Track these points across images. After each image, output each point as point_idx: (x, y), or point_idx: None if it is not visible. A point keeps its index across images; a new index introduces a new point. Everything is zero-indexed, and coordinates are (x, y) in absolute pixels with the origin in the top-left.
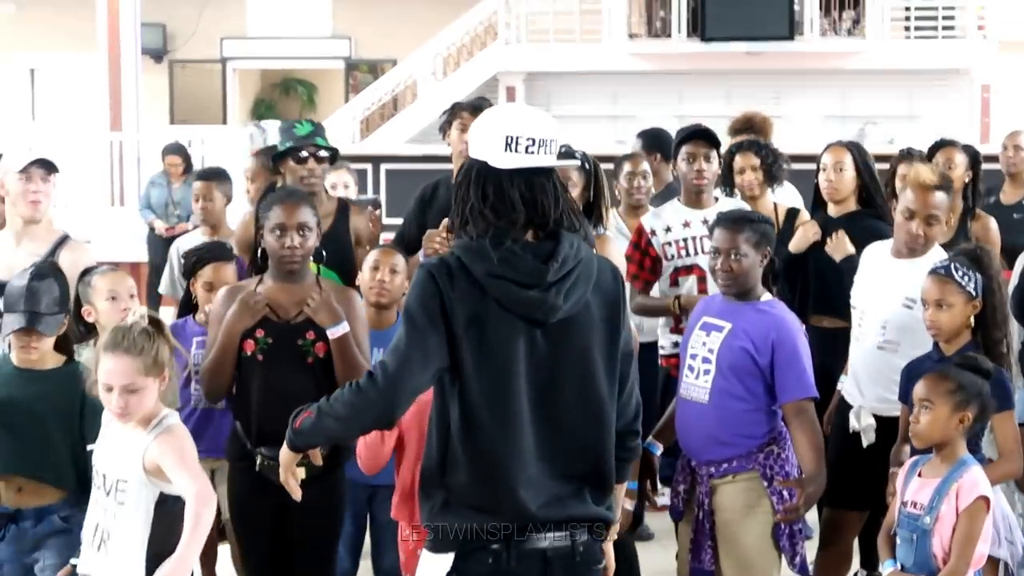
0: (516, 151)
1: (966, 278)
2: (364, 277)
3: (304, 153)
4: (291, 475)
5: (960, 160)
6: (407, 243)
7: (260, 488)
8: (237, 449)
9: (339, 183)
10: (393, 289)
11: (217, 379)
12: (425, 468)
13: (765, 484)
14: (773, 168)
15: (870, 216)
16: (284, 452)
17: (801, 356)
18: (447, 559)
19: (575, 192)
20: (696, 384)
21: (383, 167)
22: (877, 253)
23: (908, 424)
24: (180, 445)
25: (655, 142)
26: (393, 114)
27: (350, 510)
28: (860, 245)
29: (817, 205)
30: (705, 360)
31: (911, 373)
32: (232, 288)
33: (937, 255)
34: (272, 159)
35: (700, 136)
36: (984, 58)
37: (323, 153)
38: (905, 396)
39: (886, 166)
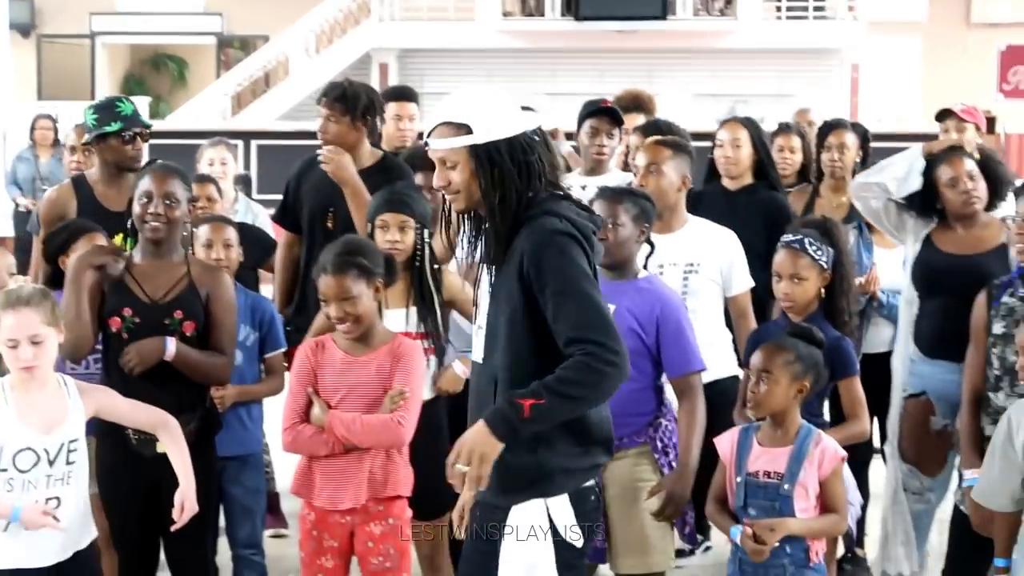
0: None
1: (819, 251)
2: (199, 255)
3: (130, 133)
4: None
5: (851, 141)
6: (290, 217)
7: (131, 464)
8: (107, 426)
9: (216, 159)
10: (231, 263)
11: (73, 330)
12: (541, 416)
13: (657, 456)
14: None
15: (767, 188)
16: (492, 443)
17: (685, 330)
18: (563, 501)
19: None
20: None
21: (254, 143)
22: None
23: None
24: (108, 394)
25: None
26: (265, 90)
27: None
28: (762, 218)
29: (711, 178)
30: None
31: (756, 340)
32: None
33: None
34: (95, 138)
35: (605, 113)
36: (854, 38)
37: (147, 132)
38: (748, 362)
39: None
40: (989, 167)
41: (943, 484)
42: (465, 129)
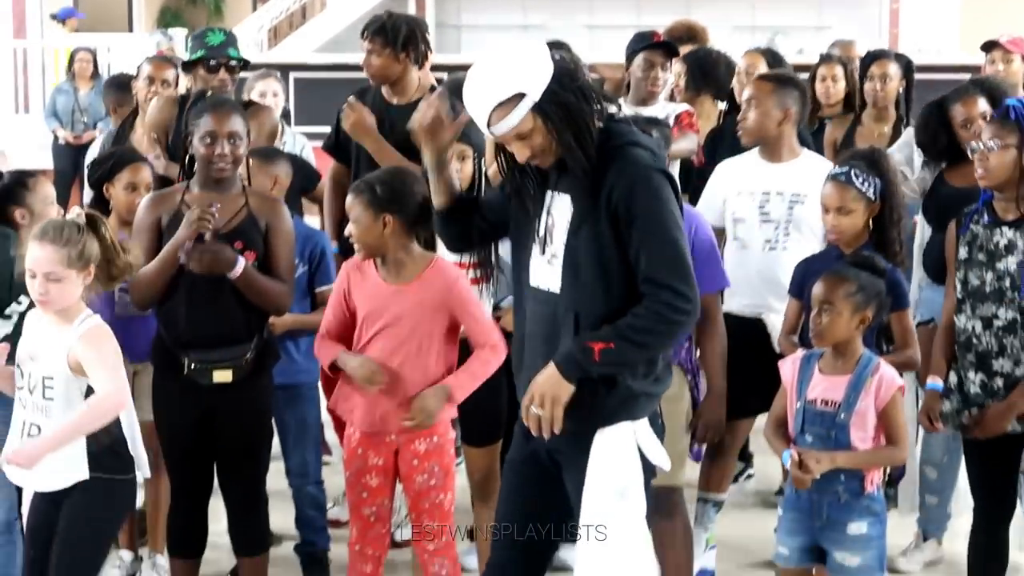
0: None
1: (866, 183)
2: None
3: (214, 62)
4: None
5: (894, 71)
6: (342, 149)
7: (187, 391)
8: (162, 355)
9: (267, 91)
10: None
11: (152, 290)
12: (610, 361)
13: (688, 377)
14: None
15: None
16: (564, 386)
17: (716, 248)
18: (646, 424)
19: None
20: None
21: (292, 76)
22: (740, 164)
23: (798, 317)
24: (101, 344)
25: None
26: (302, 23)
27: None
28: None
29: (738, 109)
30: None
31: (807, 270)
32: (157, 196)
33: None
34: (183, 66)
35: (659, 46)
36: None
37: (233, 63)
38: (798, 291)
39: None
40: (1000, 99)
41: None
42: (516, 97)
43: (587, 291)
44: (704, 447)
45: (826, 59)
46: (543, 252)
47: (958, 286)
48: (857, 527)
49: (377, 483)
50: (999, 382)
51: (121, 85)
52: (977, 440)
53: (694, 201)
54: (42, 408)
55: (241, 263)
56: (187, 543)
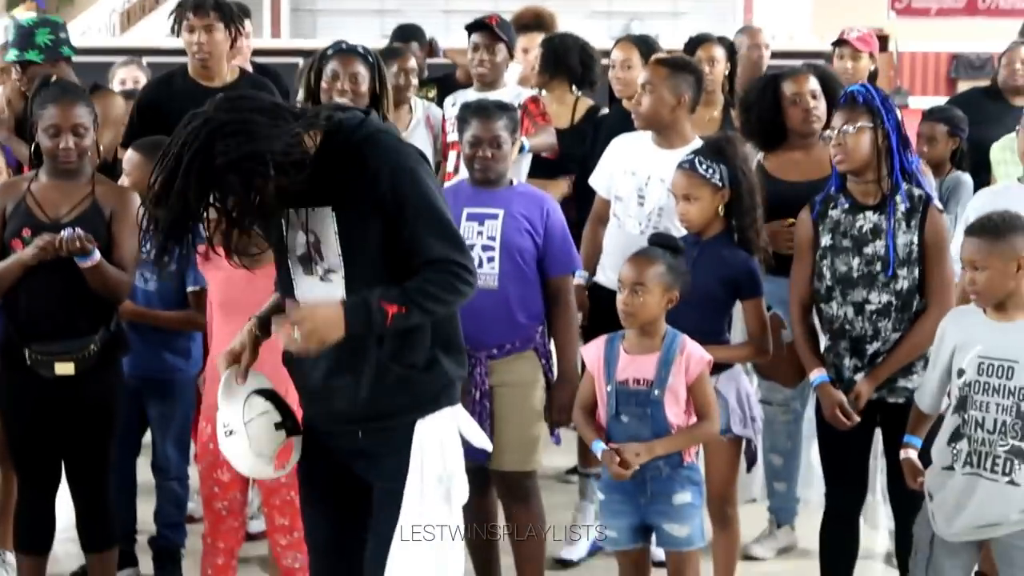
0: None
1: (710, 170)
2: (123, 182)
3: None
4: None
5: (719, 55)
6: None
7: (28, 384)
8: (4, 343)
9: (128, 79)
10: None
11: None
12: (399, 324)
13: (542, 361)
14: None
15: None
16: (338, 331)
17: (567, 231)
18: (460, 408)
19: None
20: (481, 273)
21: (145, 60)
22: (633, 143)
23: None
24: None
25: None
26: (155, 7)
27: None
28: None
29: (613, 99)
30: (486, 248)
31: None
32: (4, 184)
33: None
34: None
35: (484, 28)
36: None
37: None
38: None
39: None
40: (832, 88)
41: (802, 393)
42: None
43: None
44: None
45: (704, 40)
46: (311, 271)
47: (826, 273)
48: (681, 497)
49: (229, 477)
50: (861, 364)
51: None
52: (830, 427)
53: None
54: None
55: (96, 255)
56: (34, 539)
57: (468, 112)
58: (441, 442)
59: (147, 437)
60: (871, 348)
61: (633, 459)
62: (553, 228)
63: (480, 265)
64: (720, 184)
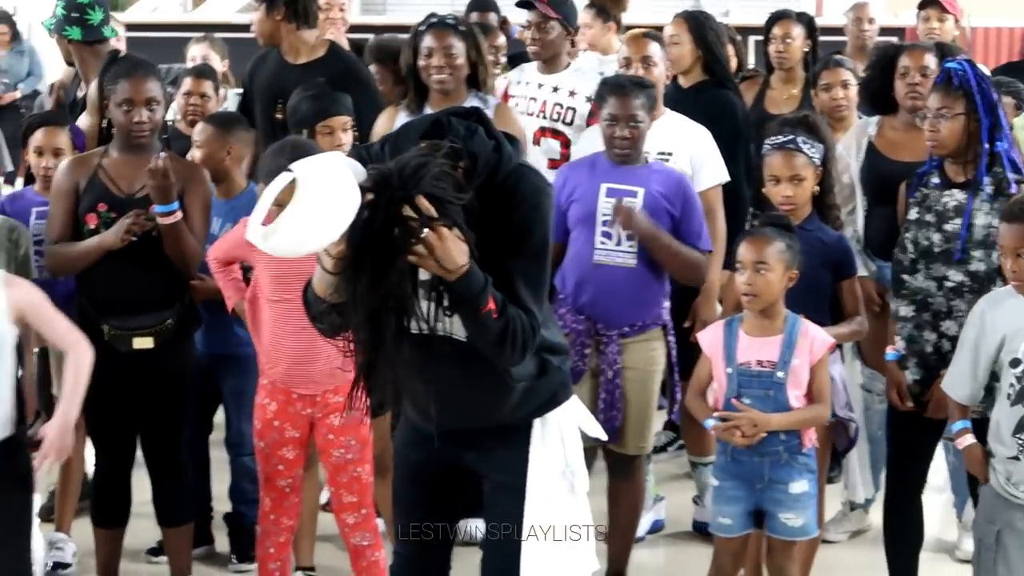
0: None
1: (812, 149)
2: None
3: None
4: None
5: (797, 32)
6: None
7: (106, 359)
8: (82, 320)
9: (199, 56)
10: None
11: (71, 270)
12: (483, 323)
13: (668, 338)
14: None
15: (713, 87)
16: (458, 271)
17: (702, 210)
18: (576, 400)
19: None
20: (619, 250)
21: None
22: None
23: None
24: (39, 294)
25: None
26: None
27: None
28: (706, 116)
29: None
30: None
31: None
32: (76, 160)
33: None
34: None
35: (526, 6)
36: None
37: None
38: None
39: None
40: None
41: None
42: None
43: None
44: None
45: (781, 16)
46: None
47: (909, 247)
48: (799, 486)
49: (293, 456)
50: (947, 345)
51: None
52: (902, 411)
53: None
54: None
55: (177, 212)
56: (110, 513)
57: (606, 89)
58: (562, 437)
59: (219, 416)
60: (944, 326)
61: (750, 429)
62: (689, 206)
63: (619, 243)
64: (818, 163)
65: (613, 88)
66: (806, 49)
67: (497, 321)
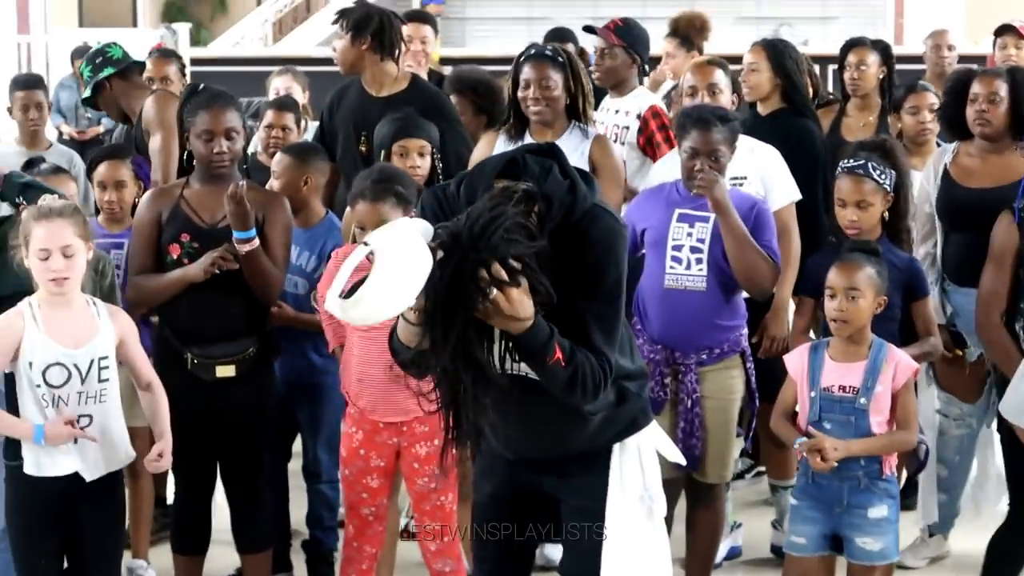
0: None
1: (883, 175)
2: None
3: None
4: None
5: (872, 59)
6: (326, 146)
7: (189, 388)
8: (165, 350)
9: (282, 87)
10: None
11: (154, 302)
12: (551, 372)
13: (747, 366)
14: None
15: (792, 114)
16: (521, 328)
17: (775, 229)
18: (655, 427)
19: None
20: (688, 274)
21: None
22: None
23: (811, 313)
24: (134, 328)
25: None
26: (306, 17)
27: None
28: (784, 144)
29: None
30: (695, 250)
31: (818, 266)
32: (157, 192)
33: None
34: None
35: (595, 32)
36: None
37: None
38: (815, 289)
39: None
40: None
41: (982, 410)
42: None
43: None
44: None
45: (855, 44)
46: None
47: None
48: (878, 511)
49: (378, 484)
50: None
51: None
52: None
53: None
54: (95, 394)
55: (255, 240)
56: (191, 540)
57: (688, 121)
58: (641, 462)
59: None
60: None
61: (832, 453)
62: (760, 221)
63: (688, 267)
64: (889, 189)
65: (696, 122)
66: (881, 76)
67: (565, 369)
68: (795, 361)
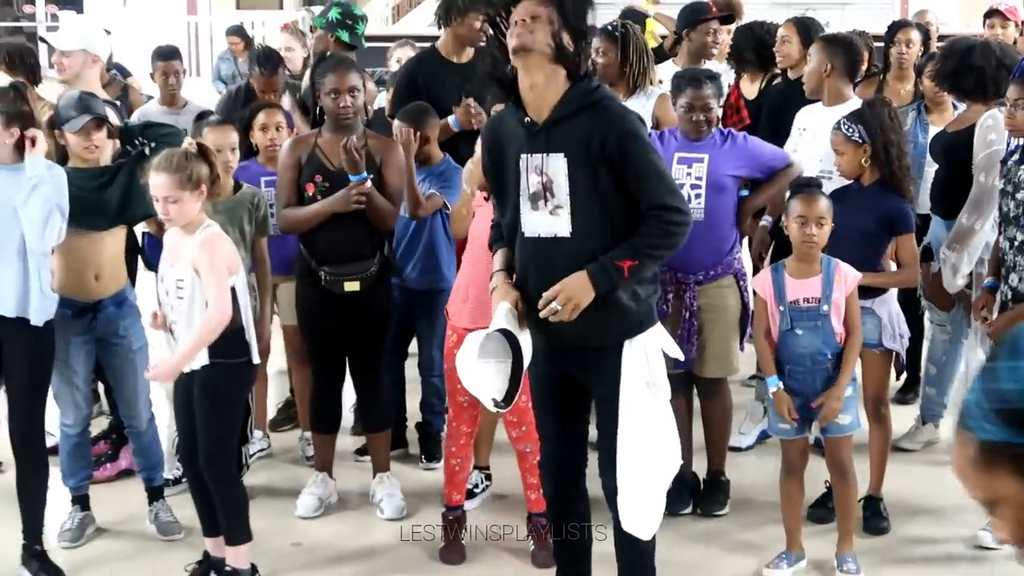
0: None
1: (850, 130)
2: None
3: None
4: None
5: (916, 37)
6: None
7: (324, 298)
8: (304, 268)
9: (403, 58)
10: (282, 141)
11: (301, 229)
12: (635, 274)
13: (740, 283)
14: None
15: None
16: (590, 295)
17: (765, 145)
18: (660, 327)
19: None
20: (691, 207)
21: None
22: (811, 110)
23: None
24: (214, 251)
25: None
26: (420, 1)
27: (394, 314)
28: (801, 103)
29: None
30: (694, 186)
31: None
32: (295, 140)
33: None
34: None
35: (718, 17)
36: None
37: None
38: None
39: None
40: (992, 58)
41: (956, 318)
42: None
43: (597, 229)
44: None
45: (903, 24)
46: (539, 207)
47: (996, 213)
48: (846, 391)
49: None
50: (1009, 294)
51: (264, 59)
52: None
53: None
54: (175, 307)
55: (366, 180)
56: (325, 421)
57: (683, 81)
58: (646, 355)
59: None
60: (1012, 278)
61: (837, 407)
62: (753, 149)
63: (689, 200)
64: (860, 140)
65: (690, 81)
66: (920, 52)
67: (640, 265)
68: (761, 282)
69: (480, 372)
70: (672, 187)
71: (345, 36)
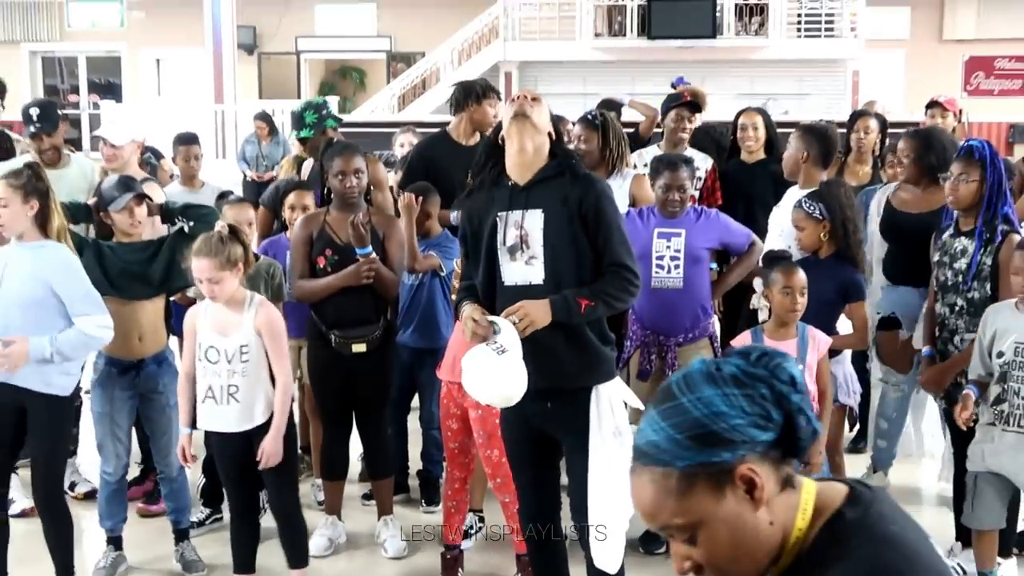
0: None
1: (811, 207)
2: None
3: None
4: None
5: (873, 125)
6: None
7: (334, 358)
8: (315, 331)
9: (406, 142)
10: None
11: (313, 298)
12: (589, 314)
13: (714, 345)
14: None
15: (774, 161)
16: (546, 318)
17: (733, 223)
18: (619, 380)
19: (588, 146)
20: (669, 276)
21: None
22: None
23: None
24: (277, 322)
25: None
26: (422, 92)
27: (397, 372)
28: (773, 181)
29: (732, 155)
30: (673, 258)
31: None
32: (307, 217)
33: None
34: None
35: (686, 104)
36: (855, 52)
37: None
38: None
39: (788, 131)
40: (934, 143)
41: (911, 380)
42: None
43: (566, 277)
44: None
45: (863, 114)
46: (516, 258)
47: (934, 282)
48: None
49: (456, 427)
50: (955, 353)
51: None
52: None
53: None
54: (239, 371)
55: (371, 251)
56: (334, 469)
57: (661, 165)
58: (611, 406)
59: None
60: (956, 340)
61: (819, 461)
62: (724, 228)
63: (668, 272)
64: (820, 217)
65: (668, 164)
66: (877, 139)
67: (596, 307)
68: (742, 343)
69: (486, 371)
70: (631, 251)
71: (332, 123)
